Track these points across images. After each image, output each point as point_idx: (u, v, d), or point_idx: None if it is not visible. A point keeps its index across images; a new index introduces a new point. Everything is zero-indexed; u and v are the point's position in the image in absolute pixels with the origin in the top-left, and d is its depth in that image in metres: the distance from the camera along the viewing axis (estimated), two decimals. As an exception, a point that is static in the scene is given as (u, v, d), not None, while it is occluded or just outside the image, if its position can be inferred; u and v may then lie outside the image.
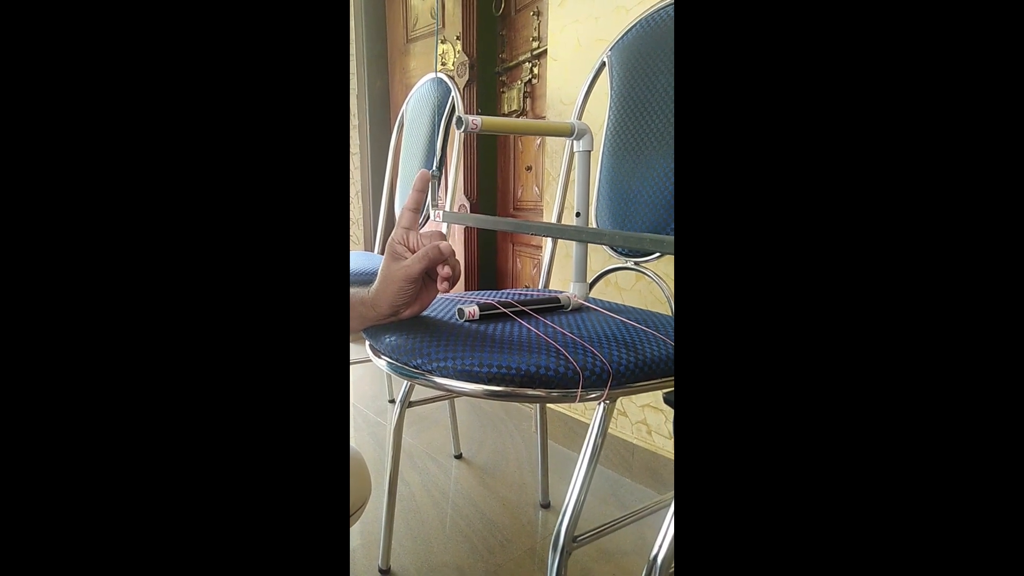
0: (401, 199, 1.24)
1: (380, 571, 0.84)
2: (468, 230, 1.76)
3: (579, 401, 0.46)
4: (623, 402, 1.11)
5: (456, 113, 1.07)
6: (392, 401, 1.53)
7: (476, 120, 0.57)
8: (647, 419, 1.08)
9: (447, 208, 1.14)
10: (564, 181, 0.88)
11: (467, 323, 0.54)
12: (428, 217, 1.14)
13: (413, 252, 0.53)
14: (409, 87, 1.54)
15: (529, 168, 1.69)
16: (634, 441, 1.11)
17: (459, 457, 1.21)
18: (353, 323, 0.54)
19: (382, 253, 1.31)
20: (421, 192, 0.54)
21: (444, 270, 0.52)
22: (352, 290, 0.55)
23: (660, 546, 0.46)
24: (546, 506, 1.03)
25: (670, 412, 1.04)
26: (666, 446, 1.06)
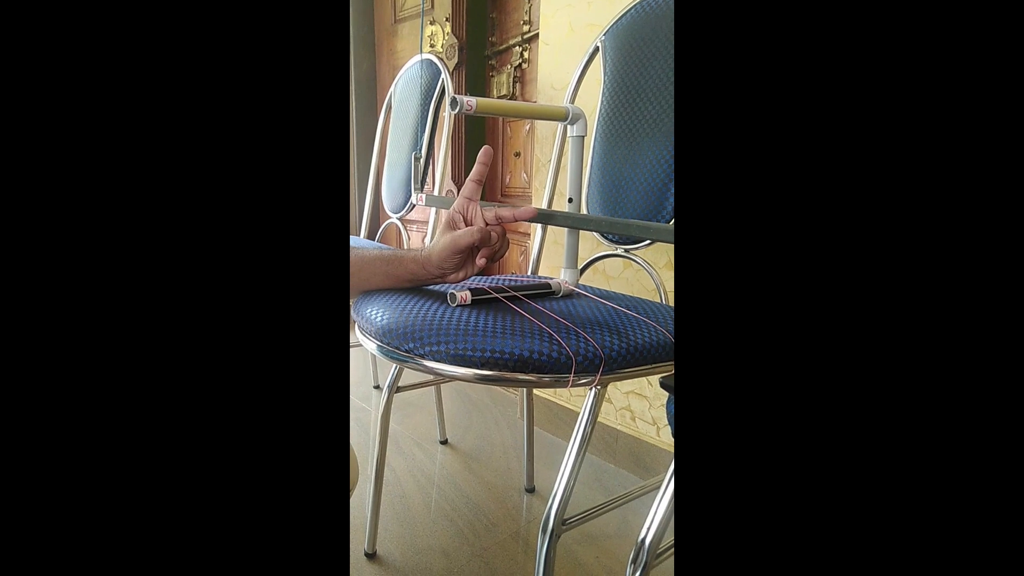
0: (389, 182, 1.22)
1: (366, 555, 0.84)
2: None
3: (571, 386, 0.46)
4: (608, 389, 1.12)
5: (447, 95, 1.06)
6: (377, 387, 1.52)
7: (471, 101, 0.56)
8: (631, 405, 1.09)
9: (435, 193, 1.13)
10: (555, 167, 0.87)
11: (459, 308, 0.54)
12: (412, 204, 1.13)
13: (469, 223, 0.57)
14: (396, 69, 1.51)
15: (518, 154, 1.68)
16: (618, 427, 1.12)
17: (445, 443, 1.21)
18: (404, 278, 0.60)
19: (368, 237, 1.30)
20: (484, 165, 0.57)
21: (484, 251, 0.56)
22: (406, 249, 0.61)
23: (648, 530, 0.47)
24: (531, 491, 1.04)
25: (654, 398, 1.05)
26: (649, 432, 1.07)
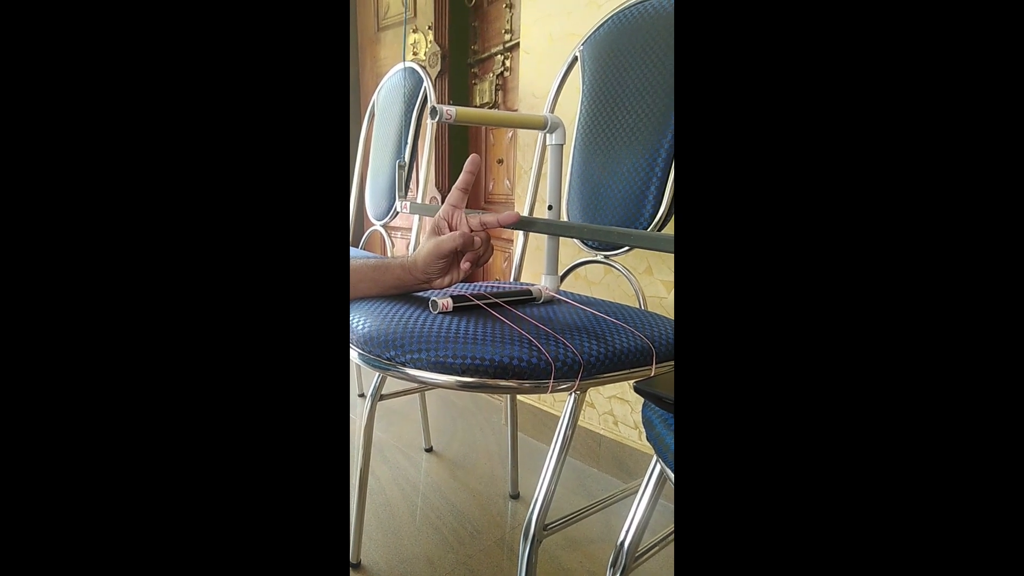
0: (372, 189, 1.22)
1: (351, 565, 0.83)
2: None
3: (551, 392, 0.46)
4: (590, 394, 1.13)
5: (429, 103, 1.06)
6: (362, 395, 1.51)
7: (451, 110, 0.57)
8: (614, 410, 1.10)
9: (418, 200, 1.13)
10: (536, 174, 0.88)
11: (440, 315, 0.54)
12: (396, 211, 1.13)
13: (454, 229, 0.57)
14: (380, 76, 1.51)
15: (500, 161, 1.69)
16: (601, 432, 1.13)
17: (429, 450, 1.21)
18: (390, 284, 0.60)
19: (352, 244, 1.29)
20: (471, 174, 0.58)
21: (468, 256, 0.57)
22: (391, 257, 0.62)
23: (627, 533, 0.47)
24: (515, 497, 1.04)
25: (636, 403, 1.06)
26: (632, 436, 1.08)
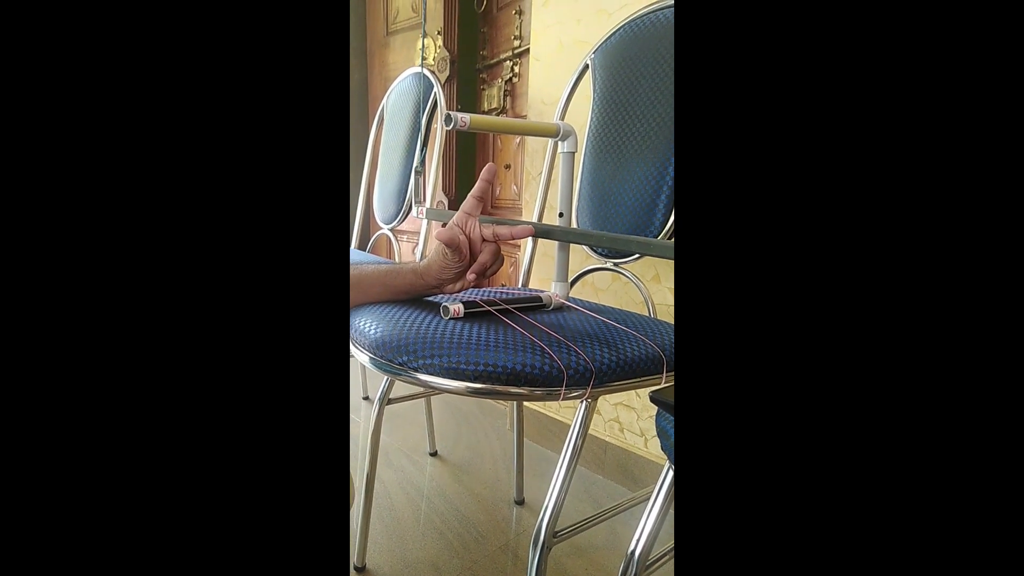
0: (380, 194, 1.23)
1: (355, 569, 0.83)
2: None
3: (562, 400, 0.46)
4: (596, 401, 1.13)
5: (440, 109, 1.07)
6: (367, 398, 1.51)
7: (465, 118, 0.57)
8: (620, 417, 1.10)
9: (426, 204, 1.14)
10: (546, 180, 0.88)
11: (451, 320, 0.55)
12: (405, 215, 1.14)
13: (468, 236, 0.57)
14: (389, 81, 1.52)
15: (508, 166, 1.70)
16: (607, 439, 1.12)
17: (434, 455, 1.21)
18: (401, 289, 0.61)
19: (359, 247, 1.30)
20: (487, 182, 0.59)
21: (473, 267, 0.57)
22: (402, 262, 0.63)
23: (637, 542, 0.47)
24: (520, 503, 1.04)
25: (642, 410, 1.06)
26: (637, 444, 1.08)
